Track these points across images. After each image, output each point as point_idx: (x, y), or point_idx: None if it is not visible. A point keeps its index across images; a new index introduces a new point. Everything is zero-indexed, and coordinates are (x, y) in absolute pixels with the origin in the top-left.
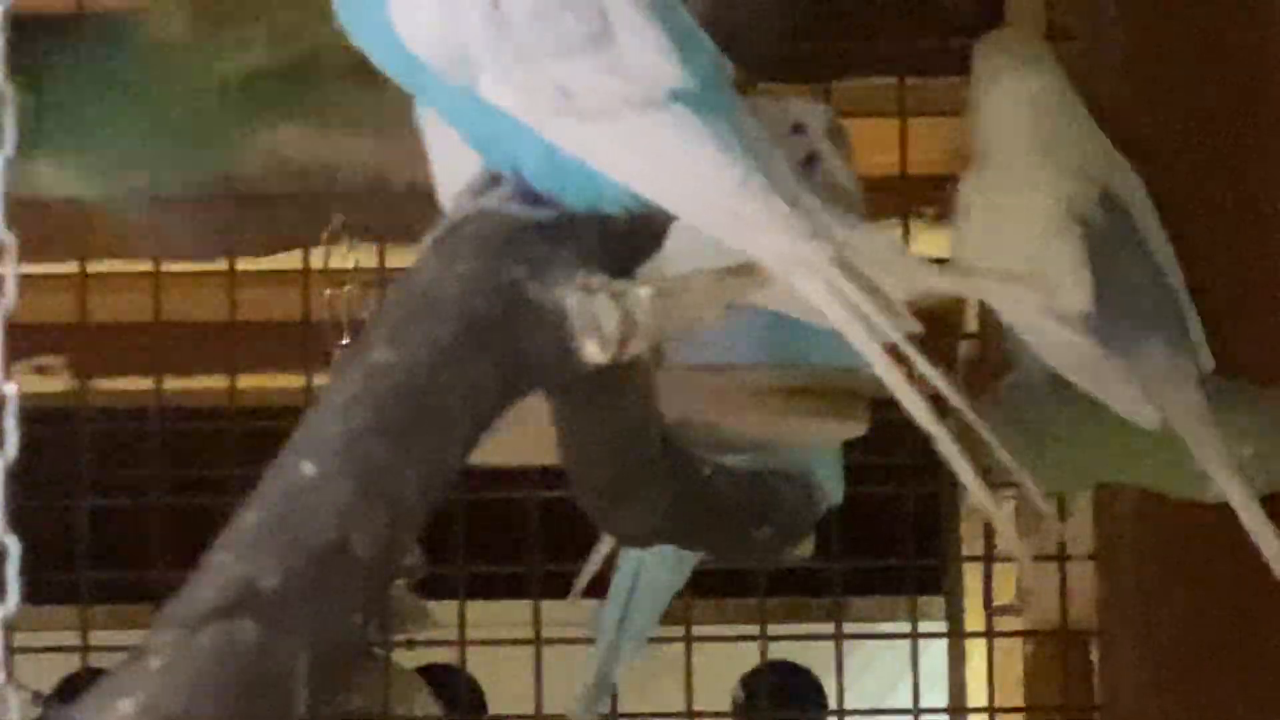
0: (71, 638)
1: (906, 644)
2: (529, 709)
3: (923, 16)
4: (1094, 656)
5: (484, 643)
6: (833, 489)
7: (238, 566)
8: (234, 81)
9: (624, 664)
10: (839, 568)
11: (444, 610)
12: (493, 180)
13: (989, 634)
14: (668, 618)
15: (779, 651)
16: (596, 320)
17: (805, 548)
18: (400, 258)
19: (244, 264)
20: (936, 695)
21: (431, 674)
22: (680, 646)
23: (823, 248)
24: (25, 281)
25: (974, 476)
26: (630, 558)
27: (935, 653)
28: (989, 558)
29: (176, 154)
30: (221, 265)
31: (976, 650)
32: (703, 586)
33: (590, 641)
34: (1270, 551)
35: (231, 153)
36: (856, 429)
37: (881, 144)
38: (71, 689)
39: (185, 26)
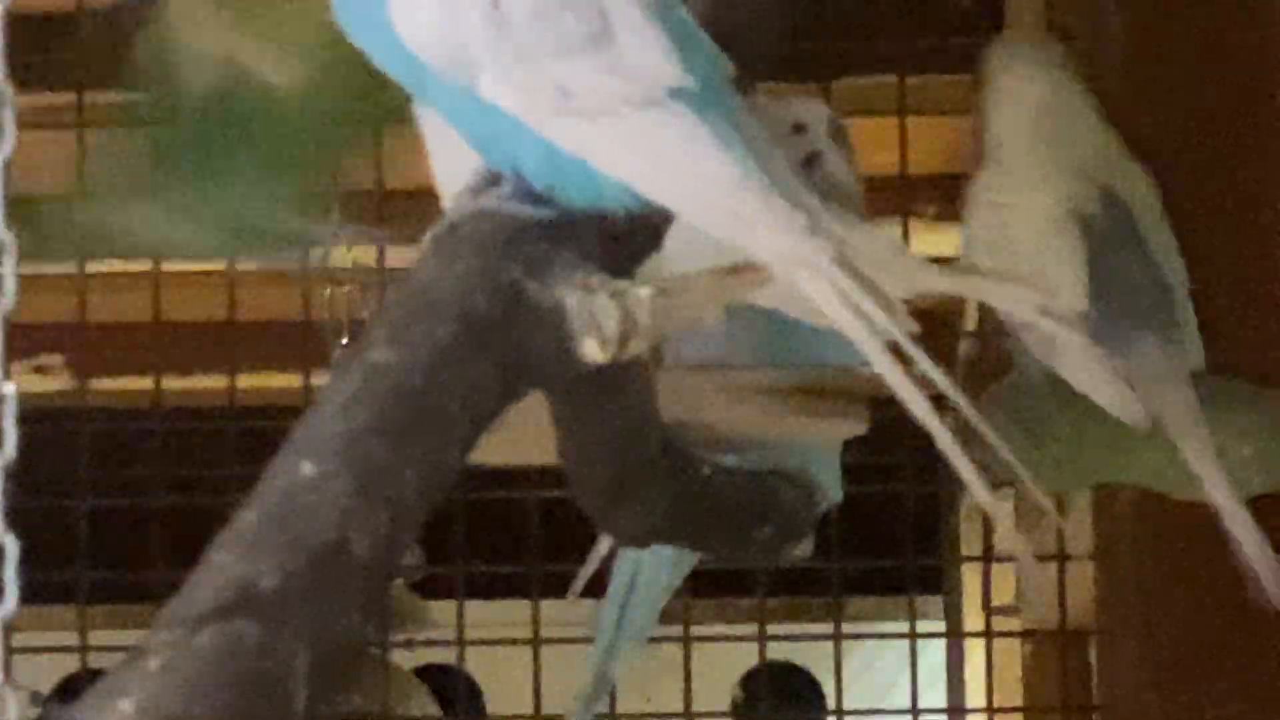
0: (71, 638)
1: (905, 644)
2: (528, 709)
3: (923, 16)
4: (1093, 656)
5: (483, 642)
6: (832, 488)
7: (237, 566)
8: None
9: (623, 664)
10: (838, 567)
11: (443, 610)
12: (493, 180)
13: (988, 634)
14: (666, 617)
15: (778, 651)
16: (596, 320)
17: (804, 547)
18: (400, 258)
19: (244, 264)
20: (935, 695)
21: (430, 674)
22: (679, 646)
23: (823, 246)
24: (25, 281)
25: (974, 475)
26: (628, 557)
27: (934, 653)
28: (988, 558)
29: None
30: (221, 265)
31: (975, 650)
32: (702, 586)
33: (589, 641)
34: (1252, 553)
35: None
36: (856, 429)
37: (881, 143)
38: (71, 689)
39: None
